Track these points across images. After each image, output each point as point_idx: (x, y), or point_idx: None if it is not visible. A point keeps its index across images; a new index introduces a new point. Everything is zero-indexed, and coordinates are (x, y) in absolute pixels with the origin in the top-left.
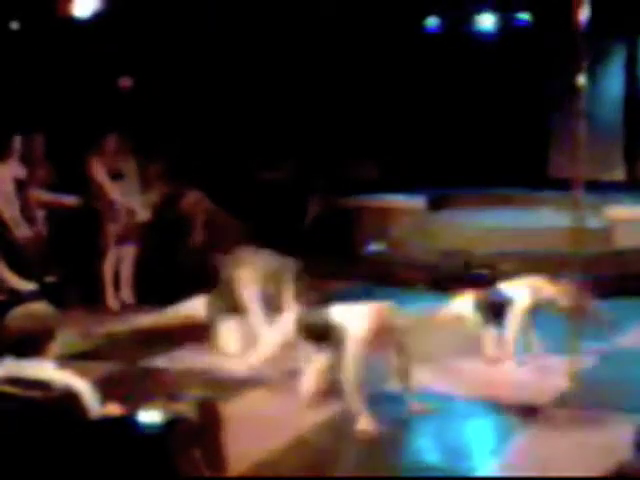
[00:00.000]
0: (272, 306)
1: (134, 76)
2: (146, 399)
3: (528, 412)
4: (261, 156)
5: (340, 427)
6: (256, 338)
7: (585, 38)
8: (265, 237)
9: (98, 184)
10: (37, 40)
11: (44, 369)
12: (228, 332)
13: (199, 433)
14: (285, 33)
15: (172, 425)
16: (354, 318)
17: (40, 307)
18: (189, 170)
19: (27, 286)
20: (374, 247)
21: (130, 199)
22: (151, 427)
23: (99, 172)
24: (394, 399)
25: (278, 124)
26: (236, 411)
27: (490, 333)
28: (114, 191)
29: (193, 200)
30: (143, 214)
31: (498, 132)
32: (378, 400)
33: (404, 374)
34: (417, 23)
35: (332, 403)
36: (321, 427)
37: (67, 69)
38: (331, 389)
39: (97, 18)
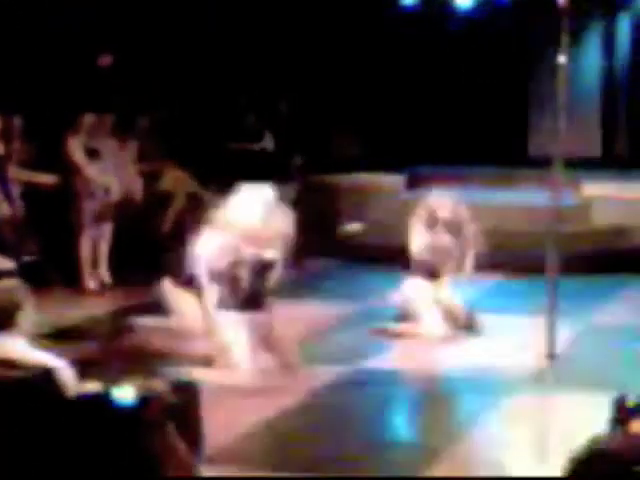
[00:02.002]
0: None
1: (113, 53)
2: (122, 377)
3: (504, 390)
4: (242, 131)
5: (315, 405)
6: None
7: (565, 16)
8: None
9: (75, 163)
10: (15, 18)
11: (21, 347)
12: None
13: (175, 410)
14: (264, 9)
15: (146, 402)
16: None
17: (8, 283)
18: (170, 147)
19: (4, 264)
20: (352, 225)
21: (106, 177)
22: (124, 404)
23: (75, 151)
24: (368, 378)
25: (260, 101)
26: (212, 387)
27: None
28: (90, 169)
29: (173, 179)
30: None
31: (478, 110)
32: (352, 378)
33: None
34: (393, 1)
35: (307, 382)
36: (296, 405)
37: (45, 47)
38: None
39: None
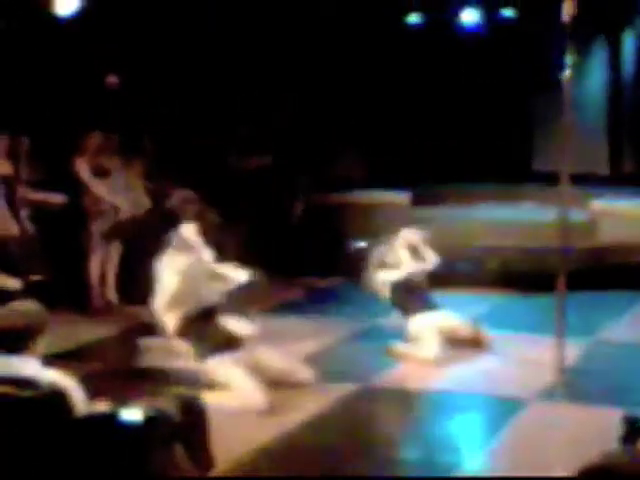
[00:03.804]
0: None
1: (119, 74)
2: (131, 397)
3: (514, 406)
4: (243, 149)
5: (325, 423)
6: None
7: (570, 33)
8: (252, 235)
9: (83, 182)
10: (21, 39)
11: (31, 367)
12: None
13: (182, 430)
14: (268, 29)
15: (153, 422)
16: None
17: (28, 305)
18: (175, 167)
19: (13, 284)
20: (358, 243)
21: (115, 197)
22: (132, 424)
23: (83, 170)
24: (377, 395)
25: (264, 121)
26: (220, 407)
27: None
28: (99, 189)
29: (180, 198)
30: (127, 212)
31: (483, 127)
32: (361, 395)
33: None
34: (400, 19)
35: (316, 400)
36: (306, 423)
37: (52, 67)
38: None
39: (81, 15)
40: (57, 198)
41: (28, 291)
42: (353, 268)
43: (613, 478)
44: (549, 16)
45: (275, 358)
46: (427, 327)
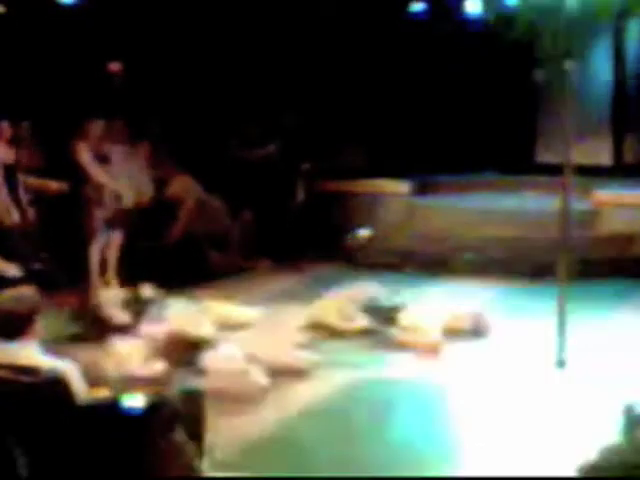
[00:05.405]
0: None
1: (121, 60)
2: (132, 384)
3: (514, 395)
4: (247, 138)
5: (324, 413)
6: None
7: (573, 22)
8: (254, 221)
9: (84, 169)
10: (24, 24)
11: (31, 353)
12: None
13: (182, 418)
14: (271, 17)
15: (155, 409)
16: None
17: (28, 291)
18: (177, 154)
19: (14, 271)
20: (359, 231)
21: (117, 183)
22: (134, 411)
23: (84, 157)
24: (375, 384)
25: (266, 109)
26: (219, 395)
27: None
28: (101, 175)
29: (182, 185)
30: (129, 199)
31: (486, 117)
32: (358, 384)
33: None
34: (403, 8)
35: (315, 389)
36: (304, 411)
37: (55, 54)
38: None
39: (84, 1)
40: (57, 184)
41: (28, 277)
42: (353, 255)
43: (612, 471)
44: (553, 5)
45: (273, 347)
46: (422, 316)
